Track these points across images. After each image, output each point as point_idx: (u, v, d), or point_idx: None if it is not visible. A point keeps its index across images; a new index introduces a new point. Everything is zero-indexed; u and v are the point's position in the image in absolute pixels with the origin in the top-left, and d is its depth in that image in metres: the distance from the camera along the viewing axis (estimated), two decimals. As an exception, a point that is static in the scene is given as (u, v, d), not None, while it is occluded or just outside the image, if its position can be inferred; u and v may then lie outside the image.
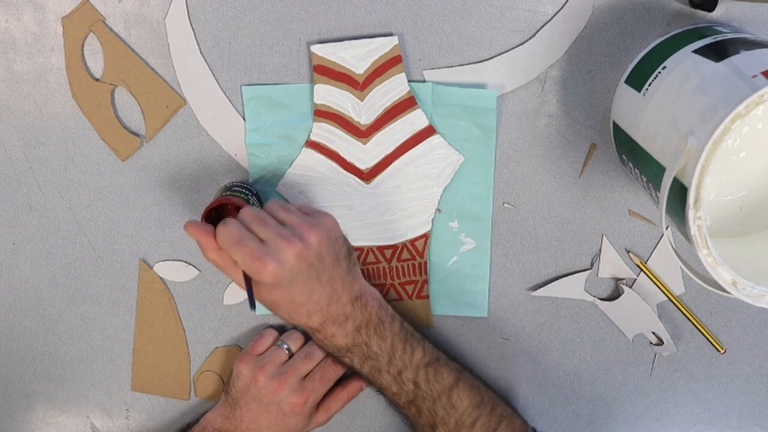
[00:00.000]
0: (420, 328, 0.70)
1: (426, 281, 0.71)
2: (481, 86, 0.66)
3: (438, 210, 0.70)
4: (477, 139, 0.67)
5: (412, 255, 0.71)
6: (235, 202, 0.63)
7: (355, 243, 0.70)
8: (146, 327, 0.74)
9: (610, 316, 0.73)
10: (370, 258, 0.71)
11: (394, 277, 0.71)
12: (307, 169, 0.68)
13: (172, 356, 0.75)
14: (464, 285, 0.72)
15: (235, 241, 0.54)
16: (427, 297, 0.72)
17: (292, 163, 0.68)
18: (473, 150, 0.68)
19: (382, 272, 0.71)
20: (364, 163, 0.68)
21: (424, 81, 0.66)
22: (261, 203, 0.68)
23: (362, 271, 0.68)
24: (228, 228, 0.55)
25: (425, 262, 0.71)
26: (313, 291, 0.58)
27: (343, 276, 0.60)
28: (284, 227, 0.57)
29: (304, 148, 0.67)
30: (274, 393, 0.67)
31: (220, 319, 0.74)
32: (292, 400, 0.66)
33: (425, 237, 0.70)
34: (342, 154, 0.68)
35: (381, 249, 0.70)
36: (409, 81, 0.65)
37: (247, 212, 0.57)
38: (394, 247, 0.70)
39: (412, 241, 0.70)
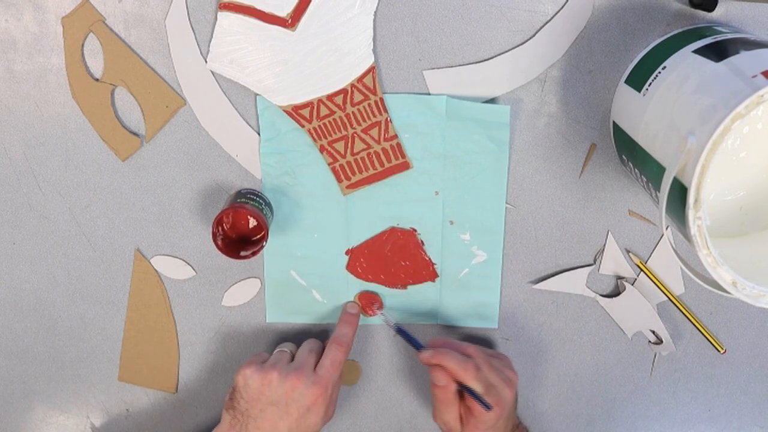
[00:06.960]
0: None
1: (389, 120, 0.67)
2: (492, 101, 0.66)
3: (450, 222, 0.70)
4: (490, 153, 0.67)
5: (365, 95, 0.66)
6: (249, 210, 0.63)
7: (301, 99, 0.66)
8: (137, 317, 0.73)
9: (611, 313, 0.73)
10: (323, 111, 0.66)
11: (354, 124, 0.67)
12: (229, 34, 0.64)
13: (161, 348, 0.75)
14: (475, 297, 0.72)
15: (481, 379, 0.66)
16: (395, 137, 0.67)
17: (213, 34, 0.64)
18: (486, 163, 0.67)
19: (340, 122, 0.67)
20: (283, 10, 0.63)
21: (430, 93, 0.66)
22: (272, 212, 0.68)
23: (320, 128, 0.67)
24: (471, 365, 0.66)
25: (381, 99, 0.67)
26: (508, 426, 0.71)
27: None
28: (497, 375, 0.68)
29: (219, 13, 0.63)
30: (293, 389, 0.64)
31: (220, 319, 0.74)
32: (314, 391, 0.64)
33: (371, 71, 0.65)
34: (258, 6, 0.63)
35: (331, 98, 0.66)
36: (420, 94, 0.65)
37: (483, 359, 0.68)
38: (343, 91, 0.66)
39: (360, 79, 0.66)
